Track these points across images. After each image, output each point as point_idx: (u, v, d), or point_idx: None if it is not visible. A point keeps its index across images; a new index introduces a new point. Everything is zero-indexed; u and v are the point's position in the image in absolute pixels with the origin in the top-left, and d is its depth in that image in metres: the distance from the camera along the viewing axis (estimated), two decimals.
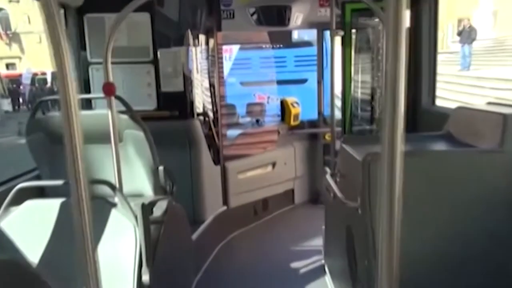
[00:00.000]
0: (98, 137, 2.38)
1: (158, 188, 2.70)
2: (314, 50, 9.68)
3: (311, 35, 9.65)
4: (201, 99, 3.70)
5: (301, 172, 5.12)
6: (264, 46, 9.30)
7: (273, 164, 4.70)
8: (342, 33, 3.43)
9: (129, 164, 2.60)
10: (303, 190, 5.20)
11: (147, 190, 2.67)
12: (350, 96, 3.66)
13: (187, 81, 3.44)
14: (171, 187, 2.81)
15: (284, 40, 6.50)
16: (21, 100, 25.54)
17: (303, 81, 9.39)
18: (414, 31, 3.35)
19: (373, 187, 2.05)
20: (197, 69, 3.58)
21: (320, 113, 5.07)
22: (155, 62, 3.38)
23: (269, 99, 9.77)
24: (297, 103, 5.01)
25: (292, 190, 5.10)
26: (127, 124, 2.52)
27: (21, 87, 25.89)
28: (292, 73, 9.20)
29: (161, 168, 2.70)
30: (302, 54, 9.33)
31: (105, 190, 2.21)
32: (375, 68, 4.54)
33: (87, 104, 3.30)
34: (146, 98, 3.43)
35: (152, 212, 2.43)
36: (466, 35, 15.40)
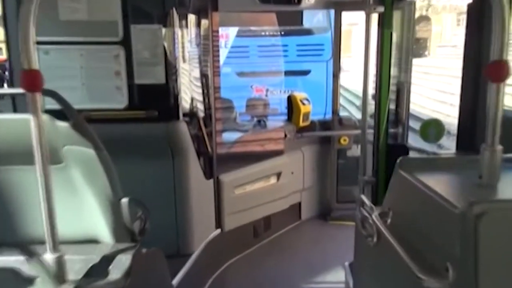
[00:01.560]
0: (23, 155, 1.47)
1: (120, 230, 1.78)
2: (318, 38, 8.80)
3: (314, 20, 8.71)
4: (189, 94, 2.77)
5: (310, 183, 4.23)
6: (263, 33, 8.35)
7: (278, 175, 3.79)
8: (381, 9, 2.52)
9: (73, 196, 1.68)
10: (311, 204, 4.31)
11: (103, 234, 1.75)
12: (387, 93, 2.76)
13: (171, 70, 2.51)
14: (142, 224, 1.90)
15: (293, 22, 5.45)
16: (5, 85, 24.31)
17: (306, 72, 8.46)
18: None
19: (483, 258, 1.18)
20: (184, 56, 2.64)
21: (335, 112, 4.16)
22: (125, 43, 2.44)
23: (268, 91, 8.85)
24: (307, 99, 4.09)
25: (299, 204, 4.21)
26: (69, 137, 1.59)
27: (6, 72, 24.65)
28: (294, 63, 8.26)
29: (124, 200, 1.77)
30: (305, 42, 8.38)
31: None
32: (404, 58, 3.62)
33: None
34: (114, 93, 2.49)
35: (107, 273, 1.53)
36: None
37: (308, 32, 8.55)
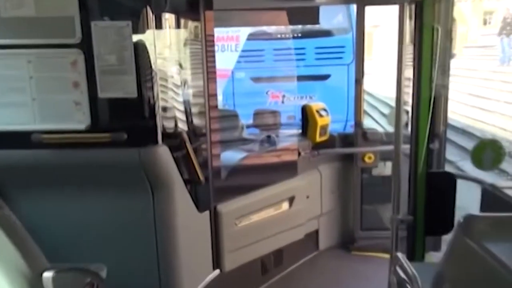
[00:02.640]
0: None
1: None
2: (338, 40, 8.11)
3: (334, 20, 8.03)
4: (174, 109, 2.18)
5: (329, 207, 3.58)
6: (279, 35, 7.74)
7: (291, 200, 3.16)
8: None
9: None
10: (331, 231, 3.66)
11: None
12: (428, 103, 2.12)
13: (145, 80, 1.92)
14: None
15: (308, 20, 4.76)
16: None
17: (325, 77, 7.79)
18: None
19: None
20: (165, 61, 2.05)
21: (358, 124, 3.51)
22: (85, 45, 1.87)
23: (284, 98, 8.21)
24: (325, 110, 3.45)
25: (316, 232, 3.57)
26: None
27: None
28: (312, 67, 7.61)
29: (47, 275, 1.19)
30: (325, 45, 7.72)
31: None
32: (441, 58, 2.95)
33: None
34: (72, 110, 1.91)
35: None
36: (507, 26, 13.53)
37: (328, 33, 7.88)
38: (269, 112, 3.43)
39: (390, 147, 3.64)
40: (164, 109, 2.04)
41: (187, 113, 2.31)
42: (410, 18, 1.99)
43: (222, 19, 3.30)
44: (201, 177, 2.29)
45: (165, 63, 2.11)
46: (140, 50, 1.90)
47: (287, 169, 3.19)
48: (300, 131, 3.52)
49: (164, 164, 2.03)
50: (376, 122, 12.99)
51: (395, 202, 2.02)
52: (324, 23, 7.81)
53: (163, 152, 2.01)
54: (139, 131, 1.94)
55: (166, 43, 2.17)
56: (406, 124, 3.82)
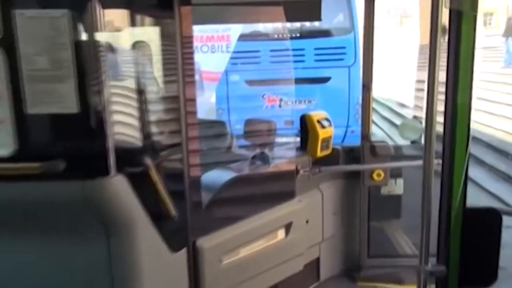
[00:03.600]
0: None
1: None
2: (339, 41, 7.60)
3: (334, 20, 7.53)
4: (133, 124, 1.68)
5: (331, 231, 3.08)
6: (276, 35, 7.24)
7: (287, 227, 2.66)
8: None
9: None
10: (334, 258, 3.16)
11: None
12: (468, 116, 1.63)
13: (92, 89, 1.42)
14: None
15: (309, 16, 4.09)
16: None
17: (325, 80, 7.29)
18: None
19: None
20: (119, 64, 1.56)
21: (365, 137, 3.00)
22: (7, 42, 1.37)
23: (282, 102, 7.70)
24: (327, 120, 2.94)
25: (317, 260, 3.07)
26: None
27: None
28: (312, 69, 7.11)
29: None
30: (325, 46, 7.23)
31: None
32: None
33: None
34: None
35: None
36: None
37: (328, 33, 7.38)
38: (262, 122, 2.92)
39: (403, 163, 3.17)
40: (120, 126, 1.53)
41: (153, 129, 1.81)
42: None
43: (206, 15, 2.81)
44: (172, 211, 1.79)
45: (122, 67, 1.61)
46: (83, 50, 1.40)
47: (283, 191, 2.68)
48: (298, 139, 3.02)
49: (119, 199, 1.53)
50: (376, 125, 12.52)
51: (423, 249, 1.53)
52: (323, 22, 7.33)
53: (118, 184, 1.50)
54: (82, 157, 1.44)
55: (124, 41, 1.67)
56: (414, 141, 3.34)
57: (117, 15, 1.60)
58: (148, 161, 1.63)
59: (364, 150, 2.96)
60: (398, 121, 10.36)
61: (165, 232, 1.86)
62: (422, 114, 3.40)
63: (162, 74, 1.92)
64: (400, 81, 10.71)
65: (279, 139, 3.28)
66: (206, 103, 5.42)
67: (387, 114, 12.60)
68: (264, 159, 2.57)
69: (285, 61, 6.13)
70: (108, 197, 1.48)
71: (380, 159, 2.94)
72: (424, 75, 3.13)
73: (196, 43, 5.39)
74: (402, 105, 10.44)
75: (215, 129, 2.82)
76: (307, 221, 2.82)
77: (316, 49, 7.14)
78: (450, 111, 1.63)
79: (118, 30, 1.64)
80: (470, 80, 1.61)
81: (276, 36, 7.17)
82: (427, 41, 1.77)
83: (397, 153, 3.21)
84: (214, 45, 5.15)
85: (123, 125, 1.59)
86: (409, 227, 3.28)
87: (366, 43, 2.95)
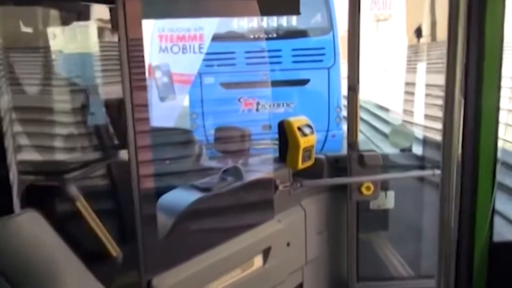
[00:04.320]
0: None
1: None
2: (318, 41, 7.26)
3: (312, 20, 7.20)
4: (55, 144, 1.25)
5: (316, 253, 2.70)
6: (251, 35, 6.85)
7: (266, 252, 2.26)
8: None
9: None
10: (319, 283, 2.77)
11: None
12: (495, 117, 1.27)
13: None
14: None
15: (286, 9, 3.63)
16: None
17: (304, 82, 6.95)
18: None
19: None
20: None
21: (352, 145, 2.62)
22: None
23: (259, 105, 7.32)
24: (309, 126, 2.55)
25: (300, 286, 2.68)
26: None
27: None
28: (290, 71, 6.76)
29: None
30: (303, 46, 6.89)
31: None
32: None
33: None
34: None
35: None
36: None
37: (306, 34, 7.04)
38: (235, 130, 2.51)
39: (395, 175, 2.81)
40: (29, 150, 1.10)
41: (81, 147, 1.39)
42: None
43: (167, 7, 2.39)
44: (113, 249, 1.36)
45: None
46: None
47: (260, 211, 2.28)
48: (276, 146, 2.62)
49: (30, 242, 1.09)
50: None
51: (443, 247, 1.13)
52: (301, 22, 7.00)
53: (27, 223, 1.07)
54: None
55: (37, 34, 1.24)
56: (409, 150, 2.99)
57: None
58: (73, 189, 1.20)
59: (351, 160, 2.59)
60: (377, 124, 10.12)
61: (108, 275, 1.43)
62: (412, 119, 3.05)
63: (101, 76, 1.50)
64: (379, 84, 10.47)
65: (256, 147, 2.90)
66: (178, 108, 4.99)
67: (366, 116, 12.37)
68: (236, 173, 2.16)
69: (261, 63, 5.74)
70: (6, 241, 1.04)
71: (369, 170, 2.57)
72: (413, 78, 2.73)
73: (166, 43, 4.96)
74: (382, 108, 10.20)
75: (178, 139, 2.39)
76: (288, 244, 2.43)
77: (293, 50, 6.80)
78: (472, 117, 1.26)
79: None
80: (498, 77, 1.24)
81: (252, 36, 6.80)
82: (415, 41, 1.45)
83: (385, 163, 2.85)
84: (186, 45, 4.74)
85: (34, 147, 1.16)
86: (396, 238, 2.96)
87: (351, 41, 2.57)
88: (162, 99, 4.90)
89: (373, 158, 2.58)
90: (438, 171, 2.50)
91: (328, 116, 6.79)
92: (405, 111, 2.86)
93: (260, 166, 2.47)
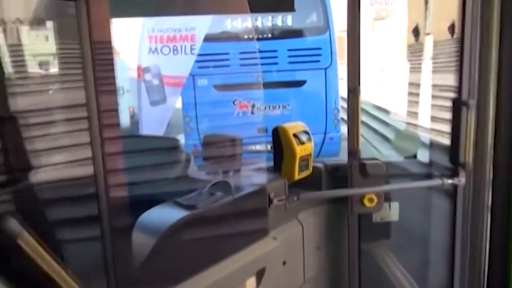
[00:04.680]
0: None
1: None
2: (314, 41, 7.04)
3: (307, 20, 6.98)
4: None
5: (315, 270, 2.48)
6: (245, 36, 6.63)
7: (260, 273, 2.03)
8: None
9: None
10: None
11: None
12: None
13: None
14: None
15: (280, 6, 3.33)
16: None
17: (300, 83, 6.73)
18: None
19: None
20: None
21: (353, 153, 2.39)
22: None
23: (254, 108, 7.09)
24: (306, 132, 2.32)
25: None
26: None
27: None
28: (285, 72, 6.54)
29: None
30: (299, 47, 6.67)
31: None
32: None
33: None
34: None
35: None
36: None
37: (302, 34, 6.83)
38: (226, 139, 2.29)
39: (400, 186, 2.59)
40: None
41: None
42: None
43: (151, 4, 2.16)
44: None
45: None
46: None
47: (253, 228, 2.06)
48: (270, 152, 2.39)
49: None
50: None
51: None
52: (297, 22, 6.79)
53: None
54: None
55: None
56: (414, 156, 2.77)
57: None
58: (13, 223, 0.96)
59: (353, 170, 2.36)
60: (374, 124, 9.90)
61: None
62: (416, 122, 2.82)
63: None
64: (376, 84, 10.27)
65: (251, 151, 2.68)
66: (170, 111, 4.77)
67: (364, 118, 12.16)
68: (225, 188, 1.93)
69: (256, 64, 5.52)
70: None
71: (372, 181, 2.35)
72: (417, 78, 2.53)
73: (156, 44, 4.73)
74: (379, 108, 10.00)
75: (162, 149, 2.16)
76: (284, 263, 2.21)
77: (289, 50, 6.58)
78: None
79: None
80: None
81: (246, 36, 6.58)
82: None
83: (388, 171, 2.63)
84: (177, 46, 4.52)
85: None
86: (396, 246, 2.75)
87: (351, 39, 2.35)
88: (152, 102, 4.67)
89: (376, 167, 2.35)
90: (448, 181, 2.30)
91: (326, 118, 6.57)
92: (411, 113, 2.64)
93: (253, 177, 2.24)
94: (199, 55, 5.97)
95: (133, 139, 2.40)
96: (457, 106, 2.27)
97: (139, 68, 4.45)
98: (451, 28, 2.19)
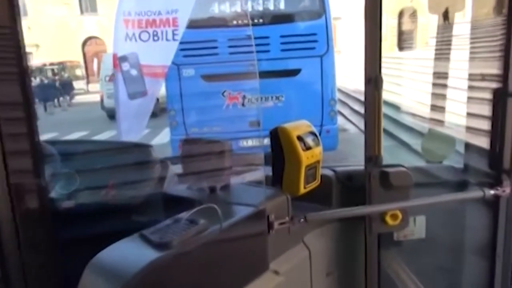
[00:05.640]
0: None
1: None
2: (309, 26, 6.49)
3: (300, 4, 6.44)
4: None
5: None
6: (234, 21, 6.09)
7: None
8: None
9: None
10: None
11: None
12: None
13: None
14: None
15: None
16: None
17: (294, 72, 6.21)
18: None
19: None
20: None
21: (373, 159, 1.89)
22: None
23: (245, 99, 6.56)
24: (313, 133, 1.82)
25: None
26: None
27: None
28: (278, 61, 6.02)
29: None
30: (292, 33, 6.14)
31: None
32: None
33: None
34: None
35: None
36: None
37: (295, 18, 6.30)
38: (210, 143, 1.78)
39: (433, 200, 2.10)
40: None
41: None
42: None
43: None
44: None
45: None
46: None
47: (249, 264, 1.57)
48: (266, 145, 1.89)
49: None
50: (347, 119, 11.60)
51: None
52: (290, 5, 6.25)
53: None
54: None
55: None
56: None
57: None
58: None
59: (372, 180, 1.87)
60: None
61: None
62: (444, 117, 2.33)
63: None
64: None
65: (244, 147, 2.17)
66: (151, 105, 4.24)
67: (358, 107, 11.74)
68: (210, 215, 1.43)
69: (247, 52, 4.95)
70: None
71: (397, 193, 1.87)
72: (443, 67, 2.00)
73: (133, 30, 4.17)
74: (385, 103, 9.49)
75: (129, 158, 1.65)
76: None
77: (282, 36, 6.06)
78: None
79: None
80: None
81: (235, 22, 6.04)
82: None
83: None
84: (157, 32, 3.99)
85: None
86: (423, 270, 2.29)
87: (370, 20, 1.83)
88: (130, 95, 4.11)
89: (402, 176, 1.86)
90: (490, 191, 1.83)
91: (322, 109, 6.08)
92: (434, 106, 2.15)
93: (246, 193, 1.74)
94: (184, 42, 5.40)
95: (83, 145, 1.88)
96: (502, 98, 1.80)
97: (114, 56, 3.90)
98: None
